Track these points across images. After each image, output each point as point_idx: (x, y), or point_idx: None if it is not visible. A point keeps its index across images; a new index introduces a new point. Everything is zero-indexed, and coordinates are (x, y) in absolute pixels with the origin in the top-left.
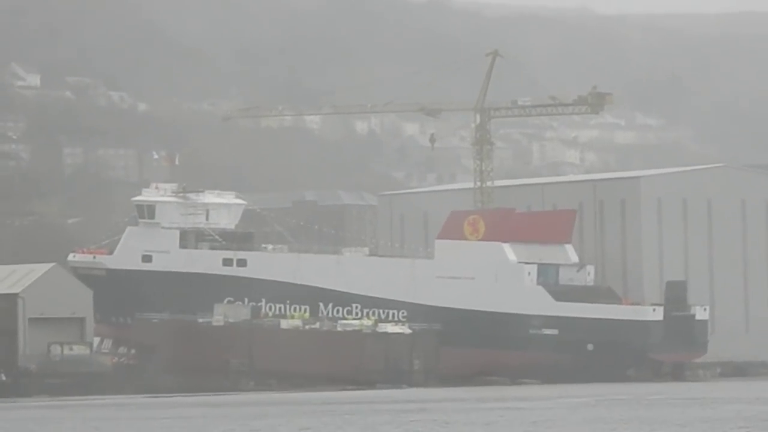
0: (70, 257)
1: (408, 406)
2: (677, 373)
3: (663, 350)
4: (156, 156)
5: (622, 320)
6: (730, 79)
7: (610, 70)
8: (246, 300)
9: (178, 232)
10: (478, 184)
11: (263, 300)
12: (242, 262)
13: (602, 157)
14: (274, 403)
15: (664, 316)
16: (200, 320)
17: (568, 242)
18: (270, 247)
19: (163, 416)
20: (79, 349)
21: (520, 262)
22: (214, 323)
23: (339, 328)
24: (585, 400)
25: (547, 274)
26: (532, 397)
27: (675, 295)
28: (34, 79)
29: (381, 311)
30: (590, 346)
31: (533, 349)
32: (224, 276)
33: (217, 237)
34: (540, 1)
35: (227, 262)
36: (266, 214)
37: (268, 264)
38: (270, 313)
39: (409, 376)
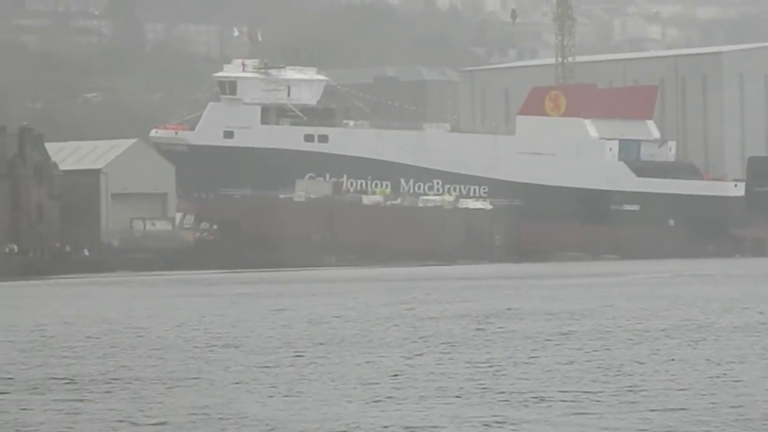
0: (152, 133)
1: (478, 283)
2: (758, 248)
3: (744, 226)
4: (237, 32)
5: (704, 196)
6: None
7: None
8: (327, 176)
9: (259, 108)
10: (560, 59)
11: (344, 176)
12: (323, 138)
13: (684, 32)
14: (355, 279)
15: (746, 192)
16: (282, 196)
17: (650, 118)
18: (351, 123)
19: (238, 292)
20: (161, 225)
21: (601, 138)
22: (296, 199)
23: (420, 204)
24: (662, 275)
25: (628, 150)
26: (608, 273)
27: (757, 171)
28: None
29: (462, 187)
30: (671, 222)
31: (614, 224)
32: (305, 152)
33: (298, 113)
34: None
35: (309, 138)
36: (347, 90)
37: (350, 140)
38: (351, 189)
39: (490, 252)
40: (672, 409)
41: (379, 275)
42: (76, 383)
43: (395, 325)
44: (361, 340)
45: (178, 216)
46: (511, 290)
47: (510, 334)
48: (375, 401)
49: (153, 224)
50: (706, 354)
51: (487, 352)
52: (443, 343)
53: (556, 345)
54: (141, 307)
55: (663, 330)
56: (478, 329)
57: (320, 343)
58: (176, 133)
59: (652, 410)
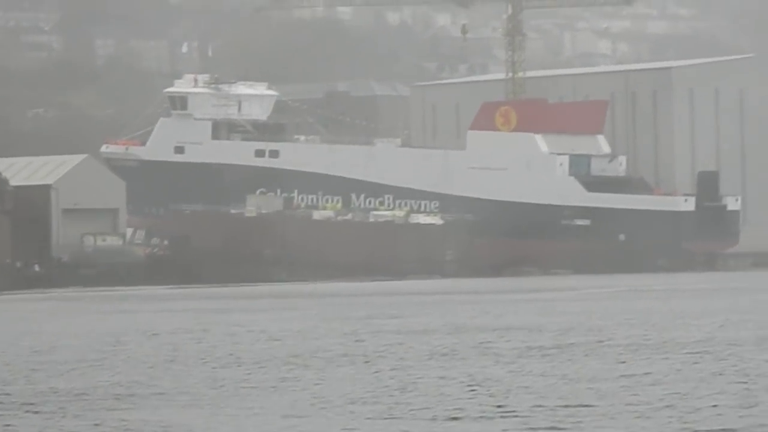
0: (103, 148)
1: (418, 299)
2: (709, 263)
3: (695, 240)
4: (185, 49)
5: (654, 210)
6: None
7: None
8: (278, 191)
9: (210, 123)
10: (510, 74)
11: (296, 191)
12: (274, 153)
13: (634, 47)
14: (305, 294)
15: (696, 207)
16: (233, 211)
17: (600, 133)
18: (302, 138)
19: (185, 308)
20: (112, 240)
21: (552, 153)
22: (247, 214)
23: (371, 219)
24: (602, 290)
25: (579, 165)
26: (556, 287)
27: (707, 186)
28: None
29: (413, 202)
30: (622, 237)
31: (565, 239)
32: (256, 167)
33: (249, 128)
34: None
35: (259, 153)
36: (298, 105)
37: (301, 155)
38: (302, 204)
39: (442, 267)
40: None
41: (330, 290)
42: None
43: (337, 341)
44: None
45: (129, 231)
46: (460, 305)
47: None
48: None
49: (104, 240)
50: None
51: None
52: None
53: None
54: (83, 323)
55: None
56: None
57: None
58: (127, 149)
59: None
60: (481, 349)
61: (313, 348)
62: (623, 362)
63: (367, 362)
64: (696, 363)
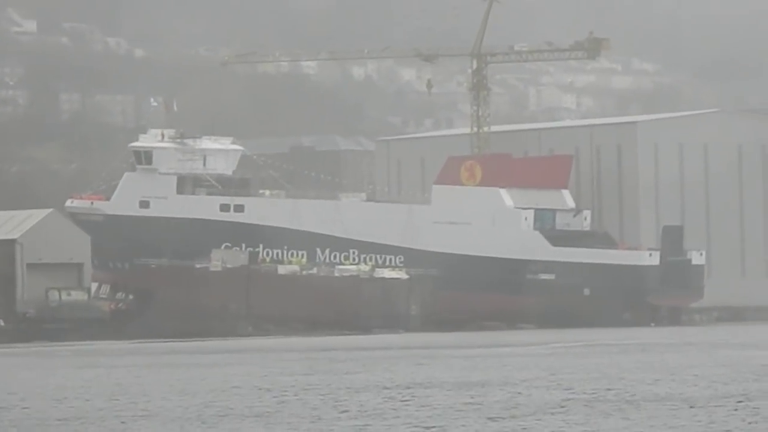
0: (68, 203)
1: (383, 353)
2: (674, 317)
3: (659, 295)
4: (153, 102)
5: (619, 265)
6: (729, 24)
7: (607, 14)
8: (243, 245)
9: (175, 178)
10: (475, 129)
11: (261, 245)
12: (239, 208)
13: (599, 102)
14: (270, 348)
15: (661, 261)
16: (198, 266)
17: (565, 187)
18: (267, 192)
19: (156, 363)
20: (77, 295)
21: (516, 207)
22: (212, 269)
23: (336, 274)
24: (559, 345)
25: (543, 219)
26: (516, 342)
27: (671, 240)
28: (31, 25)
29: (378, 256)
30: (587, 291)
31: (530, 293)
32: (221, 221)
33: (214, 182)
34: None
35: (224, 207)
36: (263, 159)
37: (266, 209)
38: (267, 259)
39: (406, 321)
40: None
41: (294, 345)
42: None
43: (294, 396)
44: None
45: (94, 286)
46: (423, 360)
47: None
48: None
49: (69, 294)
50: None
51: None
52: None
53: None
54: (47, 378)
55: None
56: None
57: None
58: (92, 203)
59: None
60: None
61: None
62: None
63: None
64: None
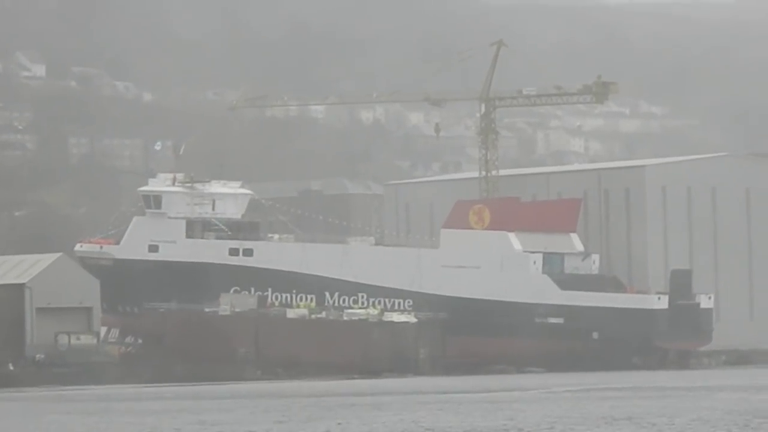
0: (77, 247)
1: (384, 399)
2: (682, 361)
3: (668, 338)
4: (157, 146)
5: (627, 309)
6: (735, 67)
7: (615, 58)
8: (252, 290)
9: (184, 222)
10: (483, 173)
11: (269, 289)
12: (248, 252)
13: (607, 145)
14: (280, 394)
15: (669, 305)
16: (207, 310)
17: (573, 231)
18: (276, 236)
19: (164, 409)
20: (86, 339)
21: (525, 251)
22: (221, 312)
23: (345, 318)
24: (570, 390)
25: (552, 263)
26: (527, 386)
27: (680, 284)
28: (40, 69)
29: (387, 300)
30: (595, 335)
31: (539, 337)
32: (231, 266)
33: (223, 227)
34: None
35: (233, 251)
36: (272, 203)
37: (275, 254)
38: (276, 303)
39: (415, 365)
40: None
41: (303, 390)
42: None
43: None
44: None
45: (103, 330)
46: (427, 405)
47: None
48: None
49: (78, 338)
50: None
51: None
52: None
53: None
54: (56, 424)
55: None
56: None
57: None
58: (101, 248)
59: None
60: None
61: None
62: None
63: None
64: None
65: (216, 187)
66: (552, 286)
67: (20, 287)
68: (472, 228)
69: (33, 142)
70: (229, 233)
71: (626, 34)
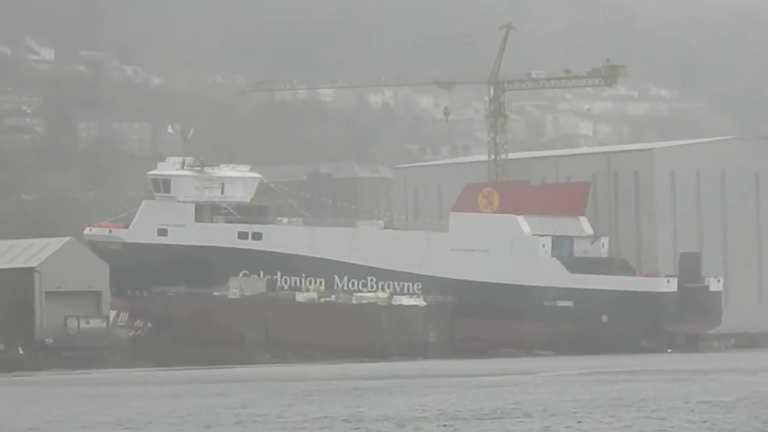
0: (86, 231)
1: (390, 382)
2: (691, 344)
3: (677, 322)
4: (170, 129)
5: (637, 292)
6: (745, 50)
7: (624, 41)
8: (261, 273)
9: (193, 206)
10: (492, 156)
11: (278, 273)
12: (257, 236)
13: (616, 128)
14: (289, 377)
15: (678, 288)
16: (216, 293)
17: (583, 214)
18: (285, 220)
19: (174, 392)
20: (95, 323)
21: (534, 235)
22: (230, 296)
23: (354, 301)
24: (575, 373)
25: (561, 246)
26: (536, 369)
27: (689, 267)
28: (48, 53)
29: (396, 284)
30: (604, 318)
31: (548, 320)
32: (239, 249)
33: (232, 210)
34: None
35: (242, 235)
36: (281, 187)
37: (284, 237)
38: (285, 286)
39: (424, 349)
40: None
41: (312, 373)
42: None
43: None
44: None
45: (113, 314)
46: (436, 389)
47: None
48: None
49: (87, 322)
50: None
51: None
52: None
53: None
54: (64, 408)
55: None
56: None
57: None
58: (110, 231)
59: None
60: None
61: None
62: None
63: None
64: None
65: (225, 171)
66: (561, 270)
67: (30, 271)
68: (481, 211)
69: (41, 126)
70: (238, 217)
71: (635, 16)
